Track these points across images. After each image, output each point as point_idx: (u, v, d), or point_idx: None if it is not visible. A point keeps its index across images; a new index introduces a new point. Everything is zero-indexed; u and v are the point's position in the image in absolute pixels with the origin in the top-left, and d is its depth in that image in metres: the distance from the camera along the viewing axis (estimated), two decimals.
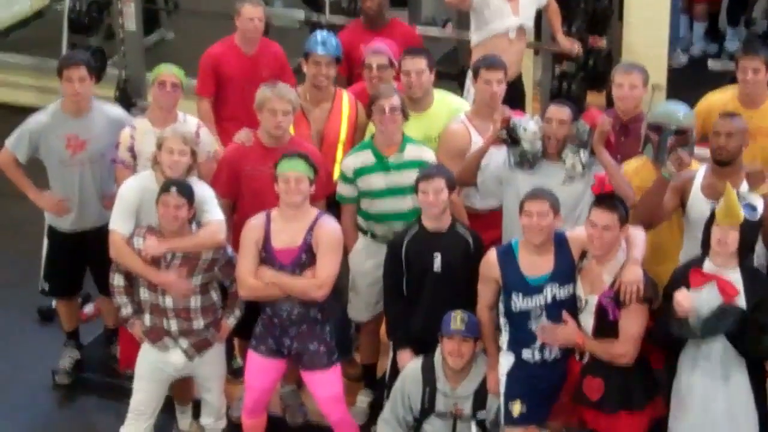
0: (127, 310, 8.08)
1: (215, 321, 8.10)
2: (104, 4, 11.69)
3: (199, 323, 8.04)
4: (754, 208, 7.26)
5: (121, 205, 8.01)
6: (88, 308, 9.69)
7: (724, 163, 7.71)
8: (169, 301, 7.96)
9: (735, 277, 7.22)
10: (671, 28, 11.46)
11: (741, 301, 7.20)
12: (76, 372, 9.38)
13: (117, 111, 9.28)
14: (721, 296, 7.17)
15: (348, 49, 9.46)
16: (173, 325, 7.99)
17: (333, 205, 8.53)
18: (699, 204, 7.78)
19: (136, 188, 8.01)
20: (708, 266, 7.28)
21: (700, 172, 7.80)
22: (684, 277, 7.32)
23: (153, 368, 8.09)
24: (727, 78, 8.73)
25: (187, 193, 7.75)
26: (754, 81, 8.47)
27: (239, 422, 8.53)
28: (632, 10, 11.10)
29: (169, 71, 8.72)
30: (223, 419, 8.45)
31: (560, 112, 8.03)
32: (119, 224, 7.96)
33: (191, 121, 8.81)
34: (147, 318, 8.04)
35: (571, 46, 10.56)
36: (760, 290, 7.24)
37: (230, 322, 8.15)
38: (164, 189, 7.73)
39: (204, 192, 8.07)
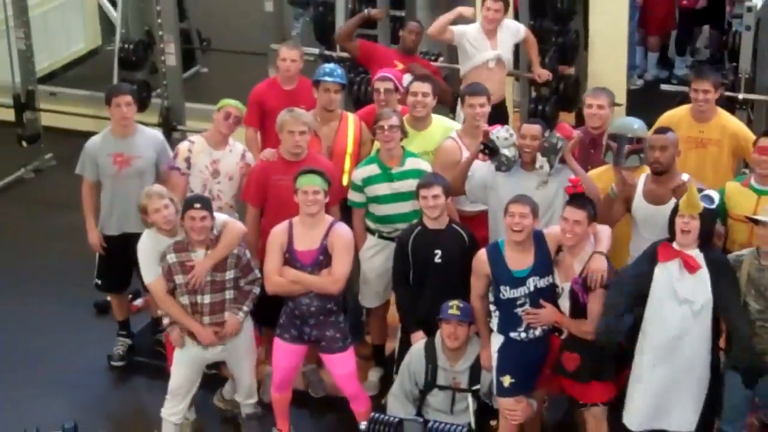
0: (167, 320, 8.12)
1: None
2: (148, 43, 11.74)
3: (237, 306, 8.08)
4: (711, 200, 7.38)
5: (144, 260, 8.13)
6: (138, 301, 9.71)
7: (660, 173, 7.82)
8: (206, 298, 7.96)
9: (697, 254, 7.27)
10: (629, 57, 11.57)
11: (704, 274, 7.22)
12: (127, 356, 9.41)
13: (156, 133, 9.37)
14: (686, 269, 7.23)
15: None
16: (206, 321, 7.98)
17: (345, 210, 8.58)
18: (641, 207, 7.92)
19: (148, 242, 8.08)
20: (675, 245, 7.31)
21: (641, 180, 7.91)
22: (654, 253, 7.37)
23: (191, 357, 8.13)
24: (677, 98, 8.75)
25: (208, 205, 7.85)
26: (705, 100, 8.53)
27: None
28: (596, 43, 11.15)
29: (234, 105, 8.83)
30: (253, 397, 8.42)
31: (532, 129, 8.11)
32: (151, 276, 8.08)
33: (238, 147, 8.92)
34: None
35: (545, 74, 10.62)
36: (719, 263, 7.31)
37: (240, 316, 8.06)
38: (188, 206, 7.81)
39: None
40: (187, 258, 7.87)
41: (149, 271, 8.08)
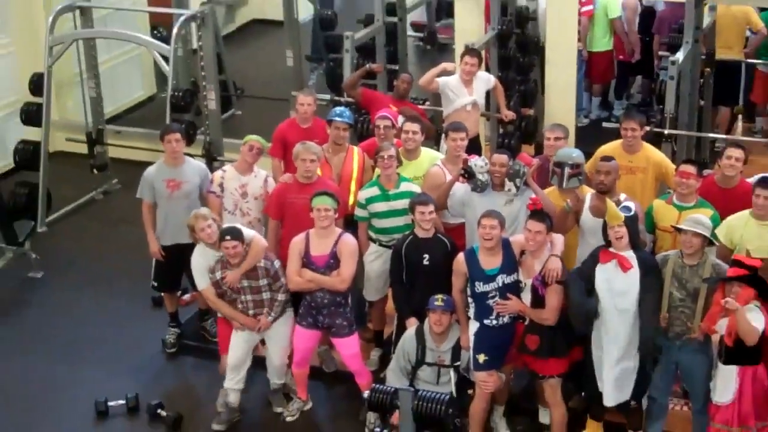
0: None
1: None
2: (194, 91, 11.71)
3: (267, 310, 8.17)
4: (628, 209, 7.41)
5: (197, 272, 8.23)
6: (187, 297, 9.67)
7: (604, 192, 7.84)
8: (249, 298, 8.10)
9: (630, 254, 7.33)
10: (577, 101, 11.47)
11: (635, 273, 7.27)
12: (178, 341, 9.39)
13: (200, 163, 9.38)
14: (620, 268, 7.29)
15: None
16: (251, 314, 8.12)
17: (351, 224, 8.59)
18: (588, 219, 7.95)
19: (199, 258, 8.17)
20: (612, 249, 7.38)
21: (588, 197, 7.93)
22: (596, 256, 7.43)
23: (244, 338, 8.22)
24: (616, 134, 8.76)
25: (237, 234, 7.92)
26: (633, 136, 8.54)
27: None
28: (550, 90, 11.04)
29: (256, 139, 8.86)
30: (282, 378, 8.46)
31: (500, 158, 8.13)
32: (203, 284, 8.20)
33: (261, 173, 8.92)
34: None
35: (510, 115, 10.63)
36: (648, 264, 7.36)
37: (269, 319, 8.11)
38: (222, 238, 7.90)
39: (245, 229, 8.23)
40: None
41: (201, 281, 8.22)
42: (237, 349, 8.26)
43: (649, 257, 7.49)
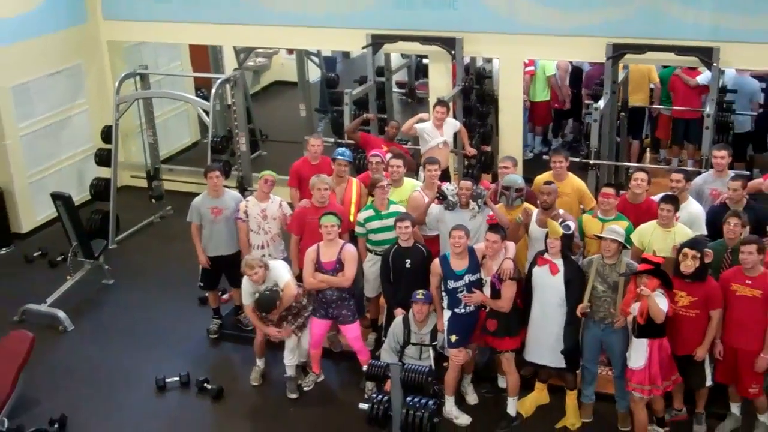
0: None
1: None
2: (229, 137, 11.75)
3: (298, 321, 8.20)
4: (568, 227, 7.46)
5: (244, 295, 8.10)
6: (226, 296, 9.64)
7: (546, 209, 7.88)
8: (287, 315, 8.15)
9: (559, 262, 7.36)
10: (523, 139, 11.49)
11: (561, 277, 7.32)
12: (219, 330, 9.39)
13: (236, 193, 9.35)
14: (550, 271, 7.33)
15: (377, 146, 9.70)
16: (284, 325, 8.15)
17: (353, 238, 8.58)
18: (535, 230, 7.97)
19: (247, 286, 8.04)
20: (546, 256, 7.42)
21: (534, 213, 7.94)
22: (535, 260, 7.47)
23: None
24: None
25: (270, 306, 7.91)
26: (560, 167, 8.55)
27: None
28: (503, 131, 11.11)
29: (269, 174, 8.87)
30: (305, 357, 8.43)
31: (466, 183, 8.16)
32: (246, 301, 8.10)
33: (276, 199, 8.90)
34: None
35: (473, 151, 10.65)
36: (572, 272, 7.37)
37: (292, 327, 8.13)
38: (259, 311, 7.99)
39: (277, 266, 8.09)
40: None
41: (246, 300, 8.10)
42: (289, 340, 8.27)
43: (575, 264, 7.48)
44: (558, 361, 7.57)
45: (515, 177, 8.31)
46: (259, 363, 8.61)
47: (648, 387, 7.12)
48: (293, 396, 8.33)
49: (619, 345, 7.36)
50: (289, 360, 8.31)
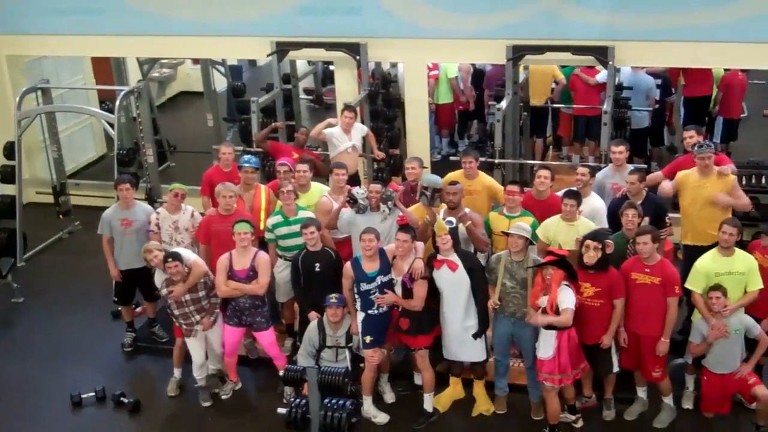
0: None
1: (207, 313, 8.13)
2: (135, 150, 11.62)
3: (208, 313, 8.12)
4: (451, 222, 7.60)
5: (158, 281, 8.08)
6: (139, 309, 9.54)
7: (453, 208, 8.00)
8: (192, 308, 8.02)
9: (454, 257, 7.50)
10: (430, 141, 11.66)
11: (462, 270, 7.45)
12: (134, 343, 9.30)
13: (147, 206, 9.26)
14: (450, 269, 7.45)
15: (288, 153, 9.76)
16: (197, 318, 8.04)
17: (263, 245, 8.58)
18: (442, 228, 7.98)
19: (157, 274, 8.04)
20: (440, 256, 7.54)
21: (441, 213, 8.03)
22: (431, 261, 7.57)
23: (196, 344, 8.16)
24: (460, 165, 8.92)
25: (177, 256, 7.87)
26: (470, 167, 8.69)
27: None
28: (411, 134, 11.26)
29: (179, 186, 8.84)
30: (219, 364, 8.37)
31: (375, 186, 8.23)
32: (159, 284, 8.09)
33: (188, 209, 8.89)
34: (183, 323, 8.10)
35: (381, 155, 10.73)
36: (470, 261, 7.54)
37: (211, 319, 8.05)
38: (165, 261, 7.85)
39: (182, 250, 8.15)
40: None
41: (160, 286, 8.09)
42: (195, 351, 8.20)
43: (471, 256, 7.65)
44: (478, 355, 7.73)
45: (435, 177, 8.39)
46: (177, 374, 8.54)
47: (558, 376, 7.29)
48: (206, 404, 8.30)
49: (529, 337, 7.51)
50: (199, 374, 8.29)
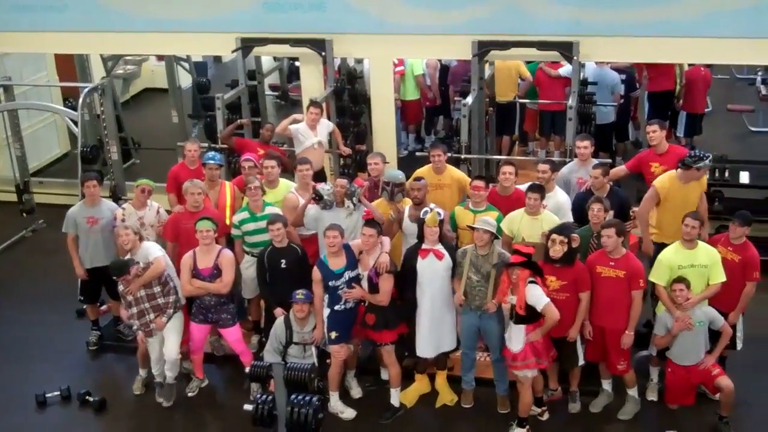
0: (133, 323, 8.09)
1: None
2: (99, 147, 11.55)
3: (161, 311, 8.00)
4: (440, 214, 7.61)
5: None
6: (104, 307, 9.46)
7: (417, 204, 8.05)
8: (147, 305, 7.92)
9: (440, 247, 7.57)
10: (397, 137, 11.67)
11: (448, 259, 7.50)
12: (99, 341, 9.23)
13: (111, 203, 9.19)
14: (436, 259, 7.49)
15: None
16: (152, 317, 7.93)
17: (230, 241, 8.57)
18: (408, 225, 8.14)
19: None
20: (426, 246, 7.57)
21: (406, 209, 8.09)
22: (416, 252, 7.59)
23: (153, 342, 8.07)
24: (428, 160, 8.93)
25: (122, 270, 7.80)
26: (439, 160, 8.70)
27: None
28: (377, 130, 11.23)
29: (146, 182, 8.79)
30: (176, 372, 8.20)
31: (341, 181, 8.25)
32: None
33: (154, 205, 8.85)
34: (137, 322, 8.00)
35: (347, 151, 10.74)
36: (451, 250, 7.59)
37: (164, 320, 7.93)
38: (111, 275, 7.89)
39: (149, 244, 8.08)
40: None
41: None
42: (153, 348, 8.14)
43: (451, 246, 7.74)
44: (450, 344, 7.80)
45: (397, 172, 8.41)
46: (142, 372, 8.48)
47: (533, 359, 7.32)
48: (167, 404, 8.22)
49: (496, 330, 7.56)
50: (156, 370, 8.22)
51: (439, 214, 7.60)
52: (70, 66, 13.44)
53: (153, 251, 7.98)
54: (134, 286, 7.87)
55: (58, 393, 8.46)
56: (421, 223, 7.62)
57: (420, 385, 8.16)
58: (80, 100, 11.10)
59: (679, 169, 8.05)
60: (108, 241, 8.81)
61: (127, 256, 8.00)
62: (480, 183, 8.19)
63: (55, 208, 10.74)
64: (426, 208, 7.70)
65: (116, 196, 10.84)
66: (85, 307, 9.39)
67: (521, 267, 7.13)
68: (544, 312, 7.10)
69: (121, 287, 7.94)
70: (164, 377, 8.22)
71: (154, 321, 7.95)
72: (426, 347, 7.79)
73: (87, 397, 8.38)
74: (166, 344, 8.05)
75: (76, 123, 10.89)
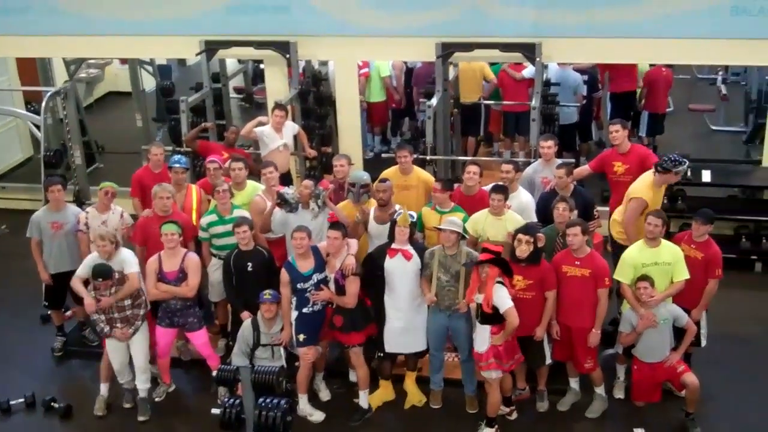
0: (101, 328, 7.93)
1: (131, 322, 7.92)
2: (63, 151, 11.46)
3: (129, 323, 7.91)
4: (413, 216, 7.66)
5: (85, 265, 7.93)
6: (69, 312, 9.34)
7: (383, 206, 8.07)
8: (116, 315, 7.81)
9: (409, 247, 7.57)
10: (363, 139, 11.68)
11: (416, 259, 7.51)
12: (64, 347, 9.14)
13: (76, 208, 9.06)
14: (405, 259, 7.50)
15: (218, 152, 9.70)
16: (118, 326, 7.85)
17: (199, 244, 8.54)
18: (374, 226, 8.15)
19: (90, 260, 7.91)
20: (395, 245, 7.58)
21: (371, 211, 8.10)
22: (385, 251, 7.60)
23: (117, 347, 7.97)
24: (394, 161, 8.94)
25: (107, 274, 7.68)
26: (405, 162, 8.69)
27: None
28: (342, 132, 11.27)
29: (110, 185, 8.69)
30: (148, 382, 8.11)
31: (307, 183, 8.25)
32: (83, 271, 7.92)
33: (118, 209, 8.74)
34: (107, 328, 7.87)
35: (313, 153, 10.72)
36: (420, 251, 7.59)
37: (130, 331, 7.83)
38: (94, 278, 7.67)
39: (126, 254, 7.96)
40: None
41: (81, 271, 7.96)
42: (115, 356, 8.02)
43: (421, 246, 7.77)
44: (420, 344, 7.79)
45: (361, 173, 8.42)
46: (103, 390, 8.27)
47: (507, 364, 7.34)
48: (143, 418, 8.10)
49: (464, 330, 7.58)
50: (123, 378, 8.14)
51: (411, 216, 7.61)
52: (32, 70, 13.31)
53: (128, 264, 7.88)
54: (105, 303, 7.78)
55: (23, 400, 8.35)
56: (393, 223, 7.63)
57: (384, 392, 8.13)
58: (43, 104, 11.03)
59: (655, 174, 8.07)
60: (72, 246, 8.72)
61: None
62: (438, 185, 8.23)
63: (19, 214, 10.70)
64: (399, 210, 7.70)
65: (80, 201, 10.79)
66: (49, 312, 9.28)
67: (491, 265, 7.15)
68: (506, 315, 7.10)
69: (92, 293, 7.82)
70: (135, 390, 8.13)
71: (120, 331, 7.86)
72: (395, 344, 7.80)
73: (52, 404, 8.28)
74: (134, 352, 7.97)
75: (38, 127, 10.80)
